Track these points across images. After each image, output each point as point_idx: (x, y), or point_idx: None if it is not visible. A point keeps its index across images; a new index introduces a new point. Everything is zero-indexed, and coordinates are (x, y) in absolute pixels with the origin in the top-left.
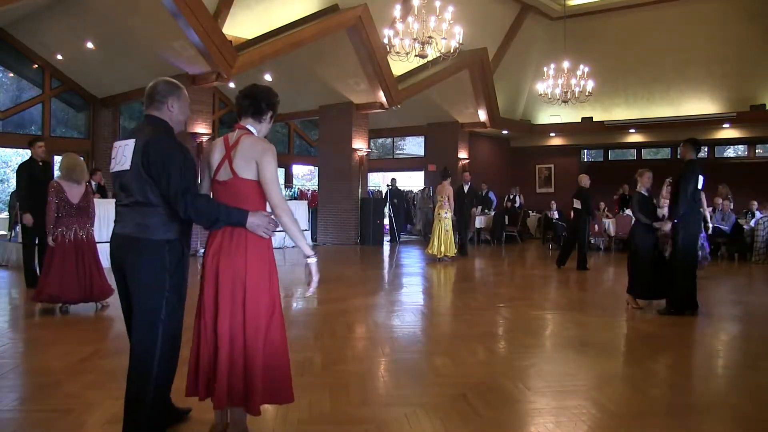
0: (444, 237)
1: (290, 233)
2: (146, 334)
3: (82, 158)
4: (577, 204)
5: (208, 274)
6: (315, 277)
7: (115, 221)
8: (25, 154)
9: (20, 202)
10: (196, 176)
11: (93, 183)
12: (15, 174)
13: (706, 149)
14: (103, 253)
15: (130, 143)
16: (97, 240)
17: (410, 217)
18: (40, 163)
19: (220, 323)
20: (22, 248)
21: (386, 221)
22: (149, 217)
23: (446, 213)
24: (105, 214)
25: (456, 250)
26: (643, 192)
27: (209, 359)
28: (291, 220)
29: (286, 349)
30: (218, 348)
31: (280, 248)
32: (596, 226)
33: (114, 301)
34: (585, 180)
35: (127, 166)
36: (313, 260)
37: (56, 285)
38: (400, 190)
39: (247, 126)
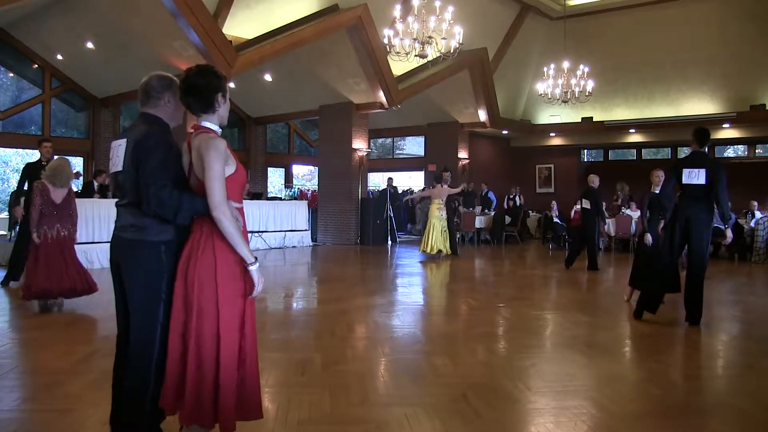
0: (444, 236)
1: (229, 238)
2: (144, 337)
3: (71, 163)
4: (586, 204)
5: (178, 280)
6: (258, 286)
7: (115, 221)
8: (25, 154)
9: (12, 197)
10: (176, 173)
11: (95, 183)
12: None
13: (706, 149)
14: (104, 252)
15: (123, 143)
16: (97, 239)
17: (412, 217)
18: (44, 163)
19: (187, 335)
20: (14, 245)
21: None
22: (145, 218)
23: (443, 214)
24: (106, 213)
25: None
26: (656, 192)
27: (176, 370)
28: (231, 224)
29: (257, 361)
30: (186, 361)
31: (279, 248)
32: (610, 226)
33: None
34: (594, 180)
35: (120, 166)
36: (253, 268)
37: (44, 280)
38: (396, 190)
39: (202, 123)
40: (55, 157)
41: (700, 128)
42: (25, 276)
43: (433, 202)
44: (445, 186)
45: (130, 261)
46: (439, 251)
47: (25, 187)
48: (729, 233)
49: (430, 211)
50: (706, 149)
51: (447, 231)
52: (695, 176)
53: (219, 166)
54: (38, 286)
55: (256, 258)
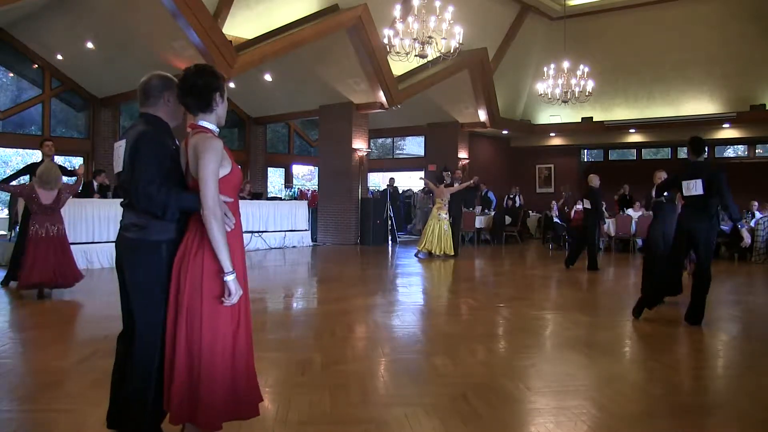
0: (444, 237)
1: (213, 241)
2: (146, 337)
3: (71, 163)
4: (586, 204)
5: (173, 279)
6: (232, 298)
7: (120, 220)
8: (25, 154)
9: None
10: (169, 171)
11: (95, 183)
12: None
13: (702, 158)
14: (104, 252)
15: (123, 143)
16: (97, 239)
17: (410, 217)
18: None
19: (178, 333)
20: (14, 245)
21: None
22: (147, 218)
23: (444, 214)
24: (105, 214)
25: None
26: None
27: (169, 370)
28: (218, 228)
29: (252, 360)
30: (175, 361)
31: (280, 248)
32: (609, 226)
33: (105, 300)
34: (595, 180)
35: (120, 166)
36: (230, 278)
37: (35, 273)
38: (397, 190)
39: (200, 123)
40: (55, 157)
41: (693, 138)
42: (21, 268)
43: (436, 202)
44: (456, 185)
45: (131, 260)
46: (430, 252)
47: (17, 182)
48: (746, 234)
49: (432, 211)
50: (703, 158)
51: (447, 232)
52: (693, 187)
53: (214, 167)
54: (28, 278)
55: (234, 270)
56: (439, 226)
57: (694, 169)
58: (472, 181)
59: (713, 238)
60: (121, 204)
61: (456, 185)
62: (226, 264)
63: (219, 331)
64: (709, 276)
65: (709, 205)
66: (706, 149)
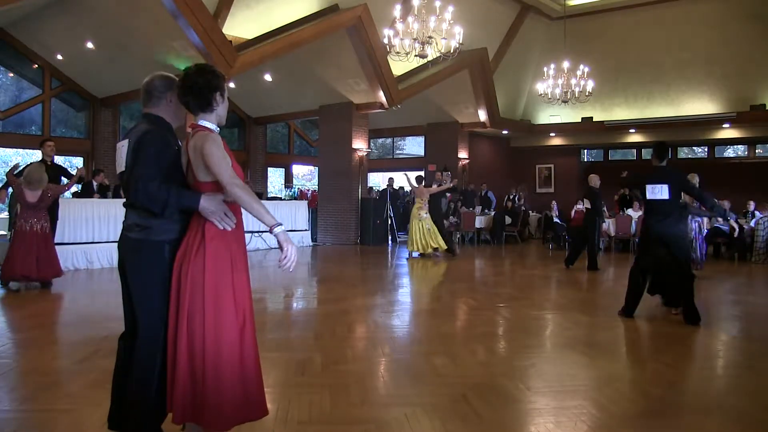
0: (429, 234)
1: (247, 206)
2: (149, 337)
3: (71, 163)
4: (586, 204)
5: (173, 279)
6: (289, 248)
7: (123, 221)
8: (25, 154)
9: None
10: (170, 169)
11: (95, 183)
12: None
13: (706, 149)
14: (104, 252)
15: (125, 143)
16: (97, 239)
17: (407, 219)
18: (48, 163)
19: (179, 333)
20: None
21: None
22: (150, 218)
23: (425, 214)
24: (105, 213)
25: (446, 247)
26: None
27: (171, 369)
28: (245, 193)
29: (258, 360)
30: (177, 360)
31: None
32: (609, 226)
33: (105, 300)
34: (595, 180)
35: (123, 167)
36: (279, 229)
37: (18, 265)
38: (396, 190)
39: (200, 122)
40: (56, 157)
41: (659, 143)
42: (6, 260)
43: (416, 201)
44: (434, 185)
45: (133, 260)
46: (435, 249)
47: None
48: (734, 224)
49: (412, 211)
50: (666, 162)
51: (431, 230)
52: (659, 192)
53: (219, 152)
54: (11, 270)
55: (279, 222)
56: (420, 225)
57: (658, 174)
58: (451, 183)
59: (686, 238)
60: (124, 204)
61: (434, 186)
62: (269, 218)
63: (223, 330)
64: (691, 275)
65: (675, 208)
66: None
